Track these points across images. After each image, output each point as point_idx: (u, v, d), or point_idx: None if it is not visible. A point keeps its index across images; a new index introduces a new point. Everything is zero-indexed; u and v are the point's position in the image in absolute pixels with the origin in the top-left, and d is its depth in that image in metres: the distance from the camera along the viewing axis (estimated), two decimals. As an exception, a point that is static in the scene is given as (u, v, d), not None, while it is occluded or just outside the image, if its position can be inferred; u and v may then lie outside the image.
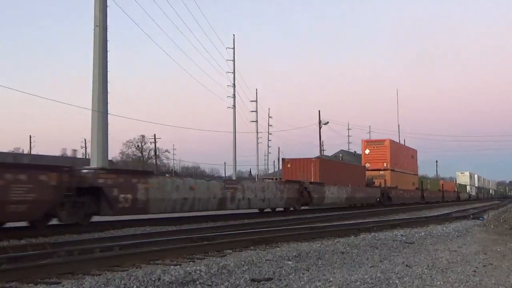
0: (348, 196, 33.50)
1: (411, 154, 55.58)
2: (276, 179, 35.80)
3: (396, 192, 42.98)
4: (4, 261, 7.56)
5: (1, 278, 6.43)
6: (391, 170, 45.10)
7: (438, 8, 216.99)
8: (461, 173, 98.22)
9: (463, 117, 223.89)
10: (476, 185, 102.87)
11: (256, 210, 24.78)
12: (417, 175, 56.89)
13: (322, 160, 36.43)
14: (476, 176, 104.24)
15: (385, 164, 44.73)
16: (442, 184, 69.50)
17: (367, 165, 44.42)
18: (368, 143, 47.74)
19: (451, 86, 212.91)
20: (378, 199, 38.84)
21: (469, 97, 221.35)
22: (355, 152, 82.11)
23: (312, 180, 29.96)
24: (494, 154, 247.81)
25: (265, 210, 25.48)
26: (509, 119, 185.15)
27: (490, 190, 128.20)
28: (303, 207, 28.04)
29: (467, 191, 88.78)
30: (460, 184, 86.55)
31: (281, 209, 26.30)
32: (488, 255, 9.90)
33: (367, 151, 46.14)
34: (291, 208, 26.75)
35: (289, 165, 33.14)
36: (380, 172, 43.81)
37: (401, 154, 49.91)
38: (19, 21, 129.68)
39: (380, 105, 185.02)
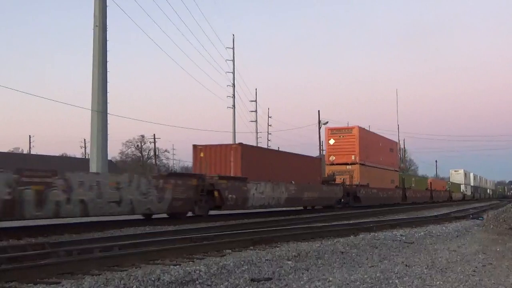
0: (290, 197, 26.02)
1: (390, 146, 46.04)
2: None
3: (367, 191, 36.11)
4: (4, 261, 7.57)
5: (1, 278, 6.43)
6: (361, 164, 36.66)
7: (438, 8, 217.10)
8: (454, 171, 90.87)
9: (463, 117, 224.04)
10: (472, 184, 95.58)
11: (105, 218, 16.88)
12: (397, 171, 47.78)
13: (246, 147, 25.18)
14: (471, 175, 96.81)
15: (353, 157, 36.30)
16: (431, 183, 62.39)
17: (332, 158, 36.89)
18: (332, 131, 38.35)
19: (452, 86, 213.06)
20: (341, 200, 32.54)
21: (469, 97, 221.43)
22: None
23: (232, 174, 22.90)
24: (495, 154, 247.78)
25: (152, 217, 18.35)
26: (510, 119, 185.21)
27: (488, 190, 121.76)
28: (214, 212, 20.99)
29: (461, 191, 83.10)
30: (452, 183, 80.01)
31: (165, 215, 18.92)
32: (488, 255, 9.91)
33: (331, 141, 37.43)
34: (190, 214, 19.37)
35: (202, 154, 24.23)
36: (347, 167, 35.97)
37: (375, 146, 40.60)
38: (19, 21, 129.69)
39: (380, 105, 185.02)
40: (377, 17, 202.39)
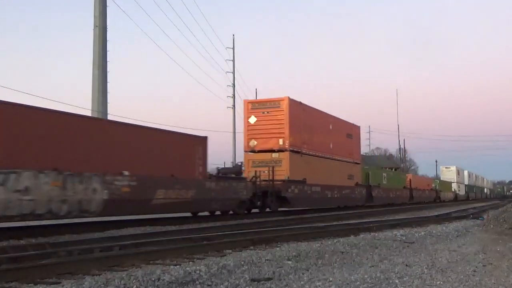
0: (115, 199, 14.99)
1: (347, 131, 34.14)
2: None
3: (302, 190, 25.96)
4: (4, 261, 7.57)
5: (1, 278, 6.44)
6: (292, 151, 25.67)
7: (438, 8, 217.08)
8: (445, 167, 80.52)
9: (463, 117, 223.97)
10: (466, 183, 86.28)
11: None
12: (359, 164, 35.95)
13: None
14: (465, 173, 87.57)
15: (280, 141, 25.35)
16: (410, 179, 51.39)
17: (252, 143, 25.77)
18: (253, 105, 26.64)
19: (452, 86, 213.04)
20: (249, 200, 22.71)
21: (469, 97, 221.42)
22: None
23: None
24: (495, 154, 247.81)
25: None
26: (510, 119, 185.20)
27: (485, 189, 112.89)
28: None
29: (453, 190, 73.39)
30: (441, 181, 70.14)
31: None
32: (488, 255, 9.90)
33: (252, 120, 26.01)
34: None
35: None
36: (273, 155, 25.32)
37: (320, 128, 29.61)
38: (19, 21, 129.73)
39: (380, 105, 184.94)
40: (377, 17, 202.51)
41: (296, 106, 26.77)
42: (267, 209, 24.01)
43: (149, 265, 7.90)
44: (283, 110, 25.71)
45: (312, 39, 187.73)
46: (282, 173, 25.00)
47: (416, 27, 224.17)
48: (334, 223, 18.07)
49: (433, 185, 62.80)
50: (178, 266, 7.67)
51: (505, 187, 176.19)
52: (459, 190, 77.05)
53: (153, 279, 6.75)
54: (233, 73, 55.65)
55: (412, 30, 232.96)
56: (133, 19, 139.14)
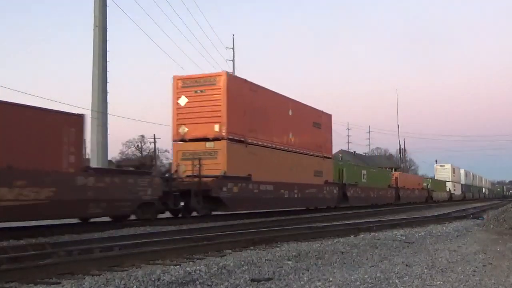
0: None
1: (313, 119, 28.47)
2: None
3: (242, 189, 20.77)
4: (4, 261, 7.57)
5: (1, 278, 6.44)
6: (231, 140, 20.65)
7: (439, 7, 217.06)
8: (440, 165, 76.24)
9: (463, 117, 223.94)
10: (463, 182, 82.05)
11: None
12: (330, 158, 30.80)
13: None
14: (462, 171, 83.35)
15: (216, 128, 20.35)
16: (397, 178, 46.42)
17: (182, 130, 20.77)
18: (184, 82, 21.20)
19: (452, 86, 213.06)
20: (161, 201, 17.68)
21: (469, 97, 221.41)
22: (354, 152, 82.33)
23: None
24: (495, 154, 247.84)
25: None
26: (510, 119, 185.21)
27: (483, 189, 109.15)
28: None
29: (447, 189, 68.77)
30: (434, 180, 65.61)
31: None
32: (488, 255, 9.90)
33: (182, 101, 20.99)
34: None
35: None
36: (207, 144, 20.35)
37: (273, 112, 24.12)
38: (19, 21, 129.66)
39: (380, 105, 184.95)
40: (378, 17, 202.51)
41: (238, 84, 21.66)
42: (197, 214, 19.19)
43: (149, 265, 7.90)
44: (219, 88, 20.54)
45: (312, 39, 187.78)
46: (218, 167, 19.87)
47: (416, 27, 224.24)
48: (334, 223, 18.07)
49: (424, 184, 58.56)
50: (178, 266, 7.67)
51: (504, 187, 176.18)
52: (454, 190, 72.81)
53: (153, 279, 6.75)
54: (233, 73, 55.67)
55: (413, 30, 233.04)
56: (133, 19, 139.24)
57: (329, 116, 31.02)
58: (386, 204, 39.96)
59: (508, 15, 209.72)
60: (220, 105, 20.47)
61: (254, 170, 21.65)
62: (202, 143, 20.45)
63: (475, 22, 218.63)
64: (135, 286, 6.43)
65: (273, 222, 17.82)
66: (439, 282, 7.01)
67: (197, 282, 6.80)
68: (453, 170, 75.73)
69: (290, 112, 25.58)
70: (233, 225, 16.24)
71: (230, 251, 9.65)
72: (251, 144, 21.99)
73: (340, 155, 68.13)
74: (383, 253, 10.08)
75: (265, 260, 8.62)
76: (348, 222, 18.13)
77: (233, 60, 55.49)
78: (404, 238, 12.90)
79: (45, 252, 8.59)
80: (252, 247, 10.22)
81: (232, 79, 21.67)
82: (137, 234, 12.48)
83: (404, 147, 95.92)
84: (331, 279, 7.09)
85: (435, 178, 69.98)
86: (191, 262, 8.20)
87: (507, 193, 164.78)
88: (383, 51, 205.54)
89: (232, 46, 55.53)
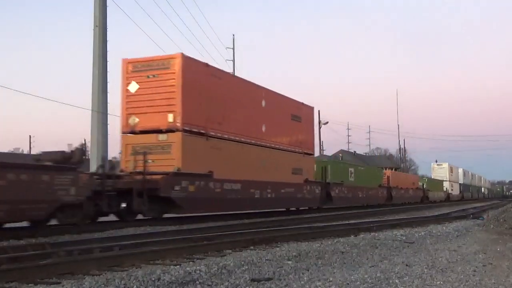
0: None
1: (292, 111, 25.57)
2: None
3: (201, 188, 18.07)
4: (4, 261, 7.56)
5: (1, 278, 6.43)
6: (187, 131, 18.08)
7: (439, 8, 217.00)
8: (437, 164, 73.23)
9: (463, 117, 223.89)
10: (461, 182, 79.41)
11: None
12: (311, 155, 28.13)
13: None
14: (460, 170, 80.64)
15: (170, 118, 17.78)
16: (389, 177, 43.50)
17: (133, 121, 18.19)
18: (135, 66, 18.55)
19: (452, 86, 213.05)
20: (91, 203, 14.74)
21: (469, 97, 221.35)
22: (354, 152, 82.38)
23: None
24: (495, 154, 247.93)
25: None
26: (510, 119, 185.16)
27: (483, 189, 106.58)
28: None
29: (445, 189, 66.62)
30: (430, 179, 63.26)
31: None
32: (488, 255, 9.91)
33: (132, 87, 18.42)
34: None
35: None
36: (160, 136, 17.81)
37: (242, 102, 21.54)
38: (19, 21, 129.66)
39: (380, 105, 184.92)
40: (378, 17, 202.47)
41: (197, 68, 18.74)
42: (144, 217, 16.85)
43: (149, 265, 7.90)
44: (174, 73, 17.85)
45: (312, 39, 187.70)
46: (172, 162, 17.35)
47: (416, 27, 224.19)
48: (334, 223, 18.07)
49: (419, 184, 55.80)
50: (178, 266, 7.67)
51: (504, 187, 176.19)
52: (452, 190, 70.16)
53: (153, 279, 6.75)
54: (233, 73, 55.66)
55: (413, 30, 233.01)
56: (133, 19, 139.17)
57: (310, 109, 28.05)
58: (377, 204, 37.85)
59: (509, 15, 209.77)
60: (174, 91, 17.71)
61: (217, 167, 18.87)
62: (154, 135, 17.76)
63: (475, 22, 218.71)
64: (135, 286, 6.43)
65: (273, 222, 17.82)
66: (439, 282, 7.01)
67: (197, 282, 6.80)
68: (451, 169, 73.21)
69: (264, 103, 22.56)
70: (233, 225, 16.24)
71: (230, 251, 9.65)
72: (213, 137, 19.13)
73: (340, 155, 68.23)
74: (383, 253, 10.08)
75: (265, 260, 8.62)
76: (348, 222, 18.13)
77: (233, 60, 55.52)
78: (404, 238, 12.90)
79: (45, 252, 8.58)
80: (252, 247, 10.21)
81: (189, 62, 18.35)
82: (137, 234, 12.48)
83: (404, 147, 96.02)
84: (331, 279, 7.09)
85: (432, 177, 67.76)
86: (191, 262, 8.20)
87: (507, 193, 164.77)
88: (383, 51, 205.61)
89: (232, 46, 55.58)
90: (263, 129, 22.59)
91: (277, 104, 23.91)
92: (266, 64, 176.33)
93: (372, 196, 38.10)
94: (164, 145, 17.64)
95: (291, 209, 26.27)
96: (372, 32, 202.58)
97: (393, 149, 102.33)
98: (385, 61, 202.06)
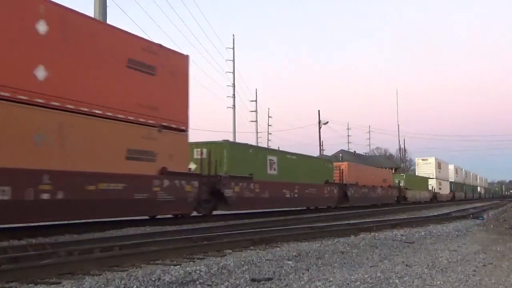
0: None
1: (130, 54, 15.31)
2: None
3: None
4: (4, 261, 7.56)
5: (1, 278, 6.43)
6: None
7: (439, 8, 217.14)
8: (422, 159, 63.11)
9: (463, 117, 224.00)
10: (452, 180, 70.03)
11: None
12: (183, 131, 17.64)
13: None
14: (451, 167, 70.85)
15: None
16: (343, 170, 33.90)
17: None
18: None
19: (452, 85, 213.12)
20: None
21: (469, 97, 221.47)
22: (355, 152, 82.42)
23: None
24: (495, 154, 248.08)
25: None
26: (510, 119, 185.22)
27: (478, 188, 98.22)
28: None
29: (430, 188, 57.06)
30: (409, 176, 54.06)
31: None
32: (488, 255, 9.91)
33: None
34: None
35: None
36: None
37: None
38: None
39: (380, 105, 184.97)
40: (378, 17, 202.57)
41: None
42: None
43: (149, 265, 7.90)
44: None
45: (312, 39, 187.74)
46: None
47: (417, 27, 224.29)
48: (334, 223, 18.09)
49: (395, 181, 46.42)
50: (178, 266, 7.67)
51: (503, 187, 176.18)
52: (440, 189, 61.01)
53: (153, 279, 6.75)
54: (233, 73, 55.69)
55: (413, 31, 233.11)
56: (133, 19, 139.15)
57: (182, 58, 17.98)
58: (322, 208, 29.24)
59: (508, 15, 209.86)
60: None
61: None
62: None
63: (475, 22, 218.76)
64: (135, 286, 6.43)
65: (274, 222, 17.83)
66: (439, 282, 7.01)
67: (197, 282, 6.79)
68: (439, 165, 62.93)
69: (43, 27, 12.71)
70: (233, 225, 16.24)
71: (230, 251, 9.65)
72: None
73: (340, 155, 68.21)
74: (383, 253, 10.08)
75: (265, 260, 8.62)
76: (348, 222, 18.14)
77: (233, 60, 55.53)
78: (404, 238, 12.90)
79: (45, 252, 8.58)
80: (252, 247, 10.22)
81: None
82: (137, 234, 12.48)
83: (404, 147, 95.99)
84: (331, 279, 7.09)
85: (417, 174, 59.81)
86: (191, 262, 8.20)
87: (506, 192, 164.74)
88: (383, 52, 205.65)
89: (232, 46, 55.58)
90: (40, 74, 12.58)
91: (84, 35, 13.89)
92: (266, 64, 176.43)
93: (313, 197, 27.95)
94: None
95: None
96: (373, 32, 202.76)
97: (393, 149, 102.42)
98: (385, 61, 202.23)
